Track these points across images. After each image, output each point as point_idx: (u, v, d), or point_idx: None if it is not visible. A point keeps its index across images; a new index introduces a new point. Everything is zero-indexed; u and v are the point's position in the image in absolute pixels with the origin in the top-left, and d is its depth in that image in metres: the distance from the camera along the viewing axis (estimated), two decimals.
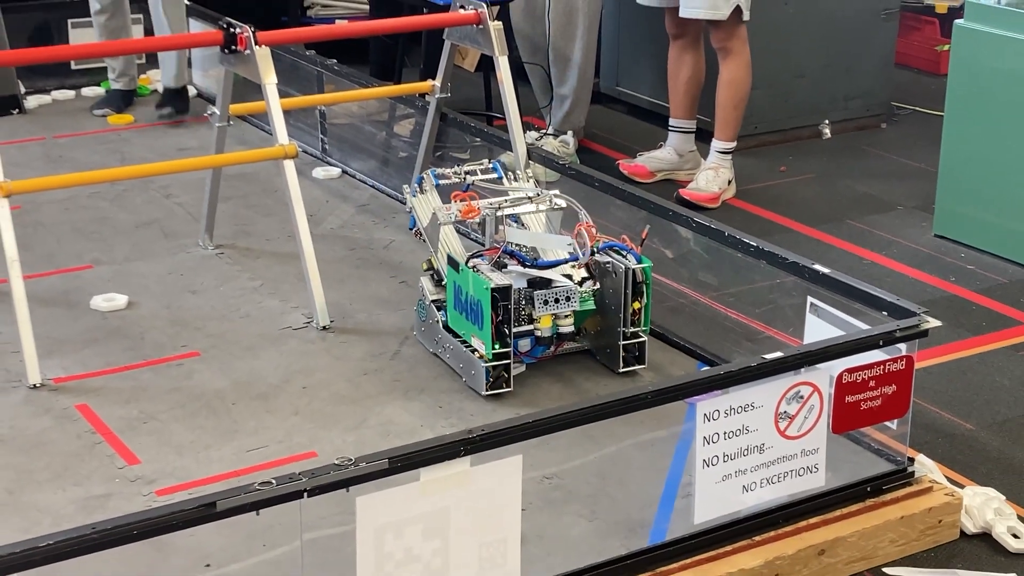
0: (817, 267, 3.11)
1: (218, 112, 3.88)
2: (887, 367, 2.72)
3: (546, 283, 3.23)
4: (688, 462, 2.75)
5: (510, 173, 3.63)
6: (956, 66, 4.44)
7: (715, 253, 3.49)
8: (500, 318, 3.15)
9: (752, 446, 2.62)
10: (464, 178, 3.58)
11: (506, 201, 3.41)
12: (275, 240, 4.15)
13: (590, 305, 3.30)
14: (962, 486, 2.95)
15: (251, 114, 4.70)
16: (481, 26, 3.96)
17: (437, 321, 3.37)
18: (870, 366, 2.70)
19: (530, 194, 3.46)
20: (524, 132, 4.11)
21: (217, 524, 2.15)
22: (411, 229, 3.66)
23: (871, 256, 4.39)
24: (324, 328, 3.55)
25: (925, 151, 5.18)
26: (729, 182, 4.90)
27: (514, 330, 3.19)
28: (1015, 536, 2.83)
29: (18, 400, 3.18)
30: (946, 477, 2.95)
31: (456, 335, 3.31)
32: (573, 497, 2.82)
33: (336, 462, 2.22)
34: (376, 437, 3.04)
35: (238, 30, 3.62)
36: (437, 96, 4.32)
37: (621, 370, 3.34)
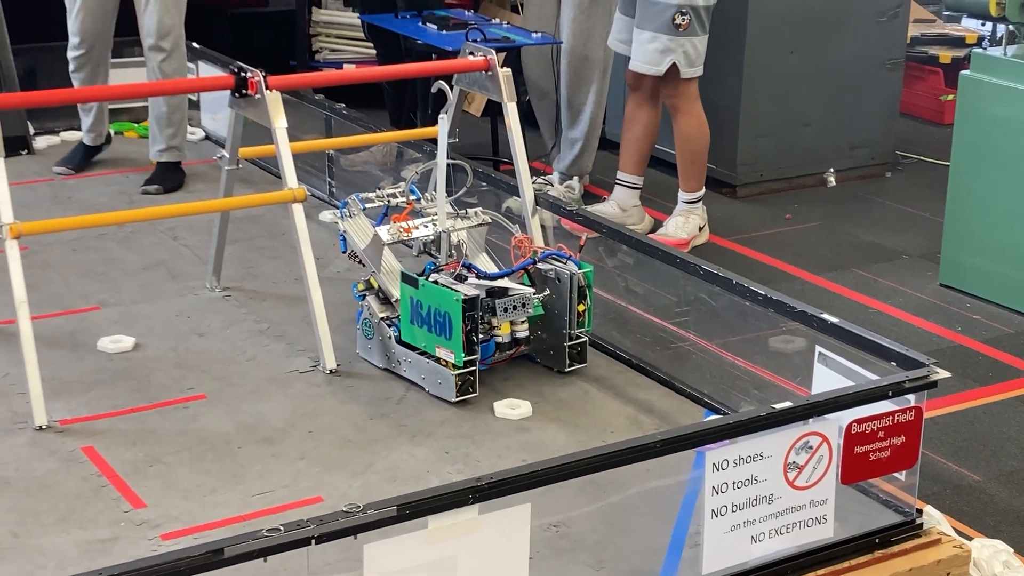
0: (826, 316, 3.10)
1: (227, 155, 3.89)
2: (896, 418, 2.71)
3: (503, 292, 3.38)
4: (696, 511, 2.73)
5: (426, 194, 3.77)
6: (962, 116, 4.46)
7: (722, 300, 3.49)
8: (469, 327, 3.26)
9: (761, 496, 2.61)
10: (388, 201, 3.74)
11: (434, 221, 3.60)
12: (282, 283, 4.15)
13: (540, 311, 3.45)
14: (970, 538, 2.94)
15: (258, 157, 4.71)
16: (490, 72, 3.98)
17: (390, 337, 3.48)
18: (879, 416, 2.69)
19: (459, 212, 3.68)
20: (531, 178, 4.12)
21: (224, 570, 2.14)
22: (344, 252, 3.73)
23: (876, 305, 4.39)
24: (330, 372, 3.55)
25: (930, 200, 5.20)
26: (701, 228, 4.93)
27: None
28: None
29: (24, 442, 3.17)
30: (954, 529, 2.94)
31: (413, 348, 3.41)
32: (580, 545, 2.81)
33: (344, 509, 2.21)
34: (382, 482, 3.03)
35: (249, 75, 3.64)
36: None
37: (567, 369, 3.49)
